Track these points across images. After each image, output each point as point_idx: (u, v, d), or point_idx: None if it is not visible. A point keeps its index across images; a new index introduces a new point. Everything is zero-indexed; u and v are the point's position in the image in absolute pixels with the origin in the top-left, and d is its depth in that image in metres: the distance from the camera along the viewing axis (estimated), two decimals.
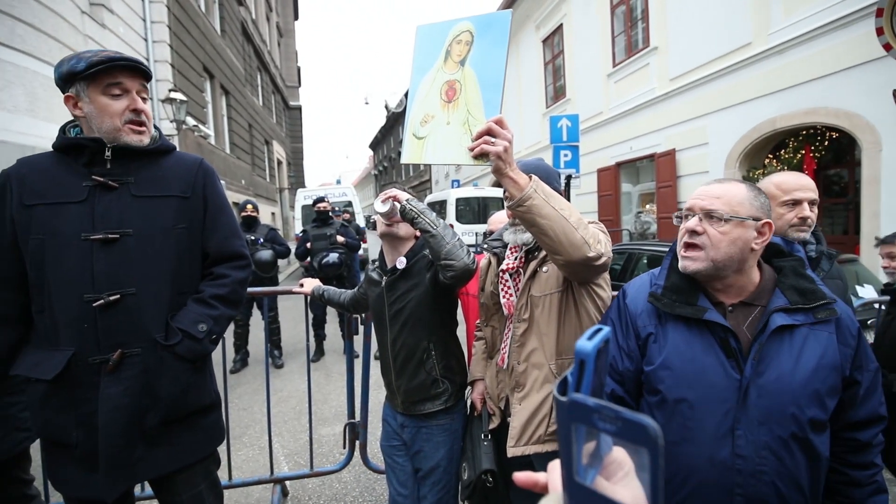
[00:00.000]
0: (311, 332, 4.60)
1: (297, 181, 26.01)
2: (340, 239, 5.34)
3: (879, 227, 5.34)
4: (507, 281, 1.54)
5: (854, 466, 1.08)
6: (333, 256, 5.19)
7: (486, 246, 1.74)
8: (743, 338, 1.07)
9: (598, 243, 1.20)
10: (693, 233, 1.11)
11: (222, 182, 1.51)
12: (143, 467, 1.28)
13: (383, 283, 1.71)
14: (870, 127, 5.47)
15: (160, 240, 1.30)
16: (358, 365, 2.59)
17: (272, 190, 19.81)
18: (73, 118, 1.31)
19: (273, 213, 18.64)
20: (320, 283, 2.24)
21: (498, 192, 12.98)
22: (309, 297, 2.26)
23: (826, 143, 6.55)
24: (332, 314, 6.21)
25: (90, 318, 1.20)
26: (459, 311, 1.90)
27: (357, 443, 2.64)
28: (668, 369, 1.11)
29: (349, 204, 11.73)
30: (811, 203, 1.60)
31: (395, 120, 35.22)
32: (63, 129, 1.31)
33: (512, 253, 1.56)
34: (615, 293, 1.51)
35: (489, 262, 1.70)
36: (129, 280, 1.24)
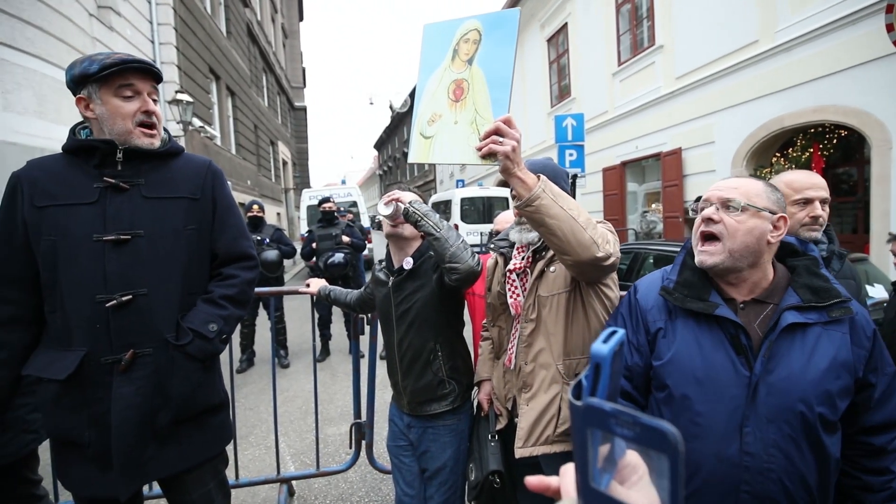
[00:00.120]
0: (317, 332, 4.61)
1: (303, 181, 26.13)
2: (346, 239, 5.35)
3: (889, 225, 5.29)
4: (514, 281, 1.53)
5: (868, 471, 1.07)
6: (339, 256, 5.19)
7: (492, 246, 1.73)
8: (754, 335, 1.06)
9: (607, 243, 1.20)
10: (710, 221, 1.10)
11: (228, 183, 1.52)
12: (155, 466, 1.28)
13: (390, 283, 1.70)
14: (879, 124, 5.41)
15: (171, 241, 1.31)
16: (364, 365, 2.59)
17: (277, 190, 19.89)
18: (82, 119, 1.32)
19: (278, 214, 18.72)
20: (326, 284, 2.24)
21: (502, 192, 12.97)
22: (314, 297, 2.26)
23: (835, 140, 6.49)
24: (337, 314, 6.22)
25: (102, 318, 1.21)
26: (465, 311, 1.90)
27: (363, 443, 2.64)
28: (677, 365, 1.11)
29: (354, 204, 11.75)
30: (823, 202, 1.58)
31: (400, 120, 35.26)
32: (73, 131, 1.32)
33: (519, 253, 1.55)
34: (623, 293, 1.51)
35: (496, 262, 1.69)
36: (141, 281, 1.25)
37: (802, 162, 6.73)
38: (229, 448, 1.56)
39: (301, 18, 29.52)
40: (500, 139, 1.08)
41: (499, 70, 1.12)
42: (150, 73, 1.30)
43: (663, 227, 8.99)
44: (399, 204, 1.55)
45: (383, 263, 1.82)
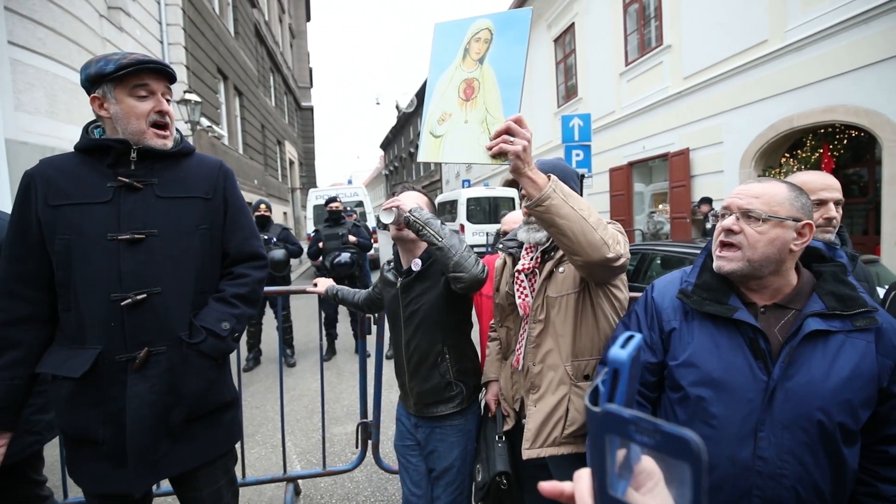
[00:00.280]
0: (324, 331, 4.63)
1: (309, 181, 26.21)
2: (352, 239, 5.36)
3: None
4: (522, 281, 1.52)
5: (883, 480, 1.05)
6: (345, 256, 5.20)
7: (501, 246, 1.73)
8: (773, 340, 1.04)
9: (617, 244, 1.19)
10: (729, 231, 1.08)
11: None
12: (168, 463, 1.29)
13: (398, 284, 1.70)
14: (891, 124, 5.35)
15: (184, 240, 1.32)
16: (370, 364, 2.59)
17: (284, 190, 19.97)
18: (94, 119, 1.33)
19: (285, 213, 18.80)
20: (334, 283, 2.24)
21: (508, 192, 12.95)
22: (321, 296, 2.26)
23: (845, 141, 6.43)
24: (343, 313, 6.23)
25: (117, 317, 1.22)
26: (472, 311, 1.89)
27: (369, 442, 2.65)
28: (693, 366, 1.09)
29: (360, 203, 11.77)
30: (836, 203, 1.57)
31: (406, 120, 35.31)
32: (86, 130, 1.33)
33: (528, 253, 1.54)
34: (633, 294, 1.50)
35: (504, 263, 1.68)
36: (155, 279, 1.26)
37: (812, 163, 6.67)
38: (236, 446, 1.57)
39: (308, 19, 29.63)
40: (511, 138, 1.08)
41: (510, 69, 1.12)
42: (165, 74, 1.31)
43: (670, 228, 8.94)
44: (399, 210, 1.53)
45: (392, 264, 1.81)
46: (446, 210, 14.30)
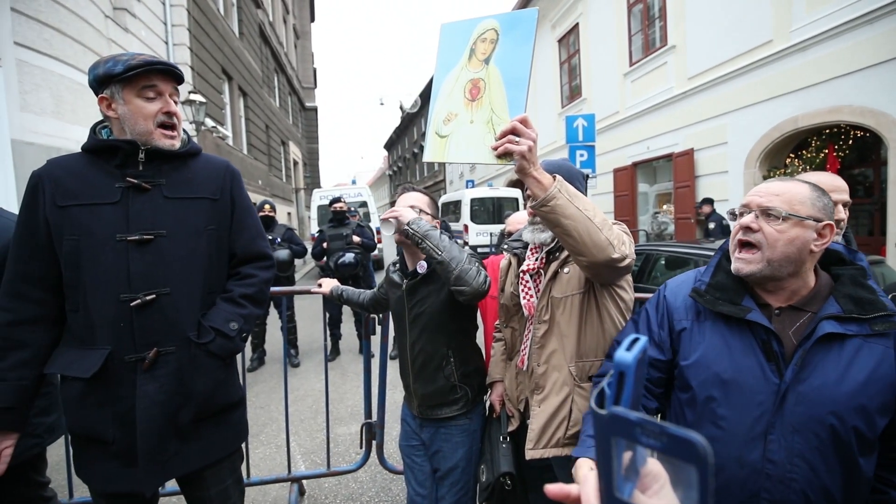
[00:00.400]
0: (328, 332, 4.64)
1: (313, 181, 26.28)
2: (356, 239, 5.37)
3: None
4: (527, 282, 1.52)
5: (895, 486, 1.03)
6: (349, 256, 5.21)
7: (506, 246, 1.73)
8: (787, 342, 1.02)
9: (623, 244, 1.19)
10: (748, 230, 1.06)
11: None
12: (177, 463, 1.30)
13: (404, 286, 1.70)
14: None
15: (193, 240, 1.33)
16: (374, 365, 2.59)
17: (288, 190, 20.04)
18: (102, 119, 1.33)
19: (289, 213, 18.85)
20: (339, 284, 2.25)
21: (512, 193, 12.95)
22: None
23: (850, 141, 6.39)
24: (347, 313, 6.24)
25: (126, 317, 1.22)
26: (478, 313, 1.89)
27: (373, 443, 2.65)
28: (704, 367, 1.08)
29: (364, 204, 11.79)
30: (843, 205, 1.56)
31: (410, 120, 35.34)
32: (94, 130, 1.33)
33: (532, 253, 1.54)
34: (638, 295, 1.49)
35: (509, 263, 1.68)
36: (164, 280, 1.26)
37: (817, 163, 6.64)
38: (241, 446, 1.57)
39: (312, 19, 29.71)
40: (517, 139, 1.08)
41: (516, 70, 1.12)
42: (173, 75, 1.31)
43: (675, 228, 8.91)
44: (399, 222, 1.53)
45: (397, 265, 1.81)
46: (450, 210, 14.30)
